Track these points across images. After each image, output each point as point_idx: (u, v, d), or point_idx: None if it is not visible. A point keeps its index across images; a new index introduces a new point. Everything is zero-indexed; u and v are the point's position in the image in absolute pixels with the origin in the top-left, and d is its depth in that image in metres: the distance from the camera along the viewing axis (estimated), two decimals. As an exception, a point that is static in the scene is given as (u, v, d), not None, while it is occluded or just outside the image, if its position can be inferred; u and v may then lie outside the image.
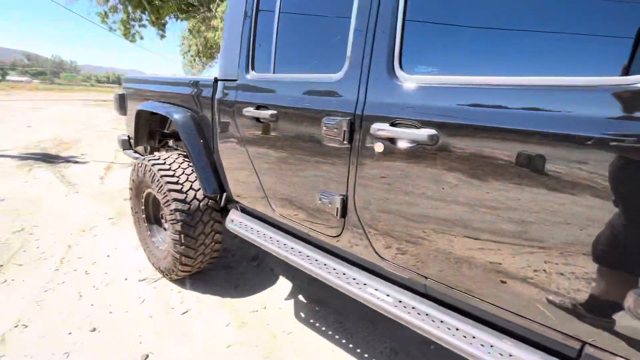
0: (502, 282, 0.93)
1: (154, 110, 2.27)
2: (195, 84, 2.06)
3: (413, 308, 1.16)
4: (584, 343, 0.84)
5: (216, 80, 1.89)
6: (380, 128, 1.10)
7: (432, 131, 0.98)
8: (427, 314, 1.13)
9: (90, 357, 1.68)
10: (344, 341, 1.87)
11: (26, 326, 1.85)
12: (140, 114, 2.50)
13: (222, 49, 1.81)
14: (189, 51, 15.04)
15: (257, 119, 1.58)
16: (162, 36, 12.70)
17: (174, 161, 2.20)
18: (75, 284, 2.27)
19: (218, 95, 1.83)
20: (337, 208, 1.31)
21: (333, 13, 1.36)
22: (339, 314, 2.11)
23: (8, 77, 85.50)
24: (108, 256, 2.65)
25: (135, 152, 3.04)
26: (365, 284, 1.28)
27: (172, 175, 2.08)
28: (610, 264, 0.76)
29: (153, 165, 2.13)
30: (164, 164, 2.15)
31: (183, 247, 2.05)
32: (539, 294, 0.87)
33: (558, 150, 0.77)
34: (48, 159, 5.70)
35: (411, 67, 1.09)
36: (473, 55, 1.01)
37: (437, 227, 1.04)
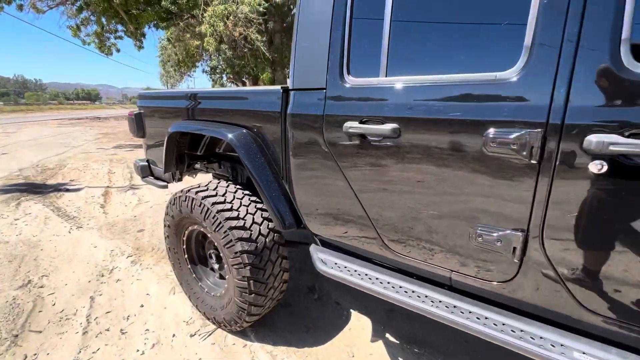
0: None
1: (199, 132, 1.89)
2: (255, 96, 1.70)
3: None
4: None
5: (286, 90, 1.54)
6: (606, 140, 0.80)
7: None
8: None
9: None
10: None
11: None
12: (172, 136, 2.10)
13: (294, 55, 1.46)
14: (168, 61, 14.34)
15: (363, 136, 1.25)
16: (140, 47, 12.04)
17: (226, 191, 1.83)
18: (113, 350, 1.85)
19: (292, 108, 1.48)
20: (514, 247, 1.00)
21: None
22: (445, 354, 1.79)
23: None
24: (142, 306, 2.23)
25: (158, 179, 2.63)
26: (562, 346, 0.97)
27: (231, 209, 1.71)
28: None
29: (204, 198, 1.75)
30: (216, 195, 1.78)
31: (253, 295, 1.68)
32: None
33: None
34: (35, 189, 5.11)
35: None
36: None
37: None
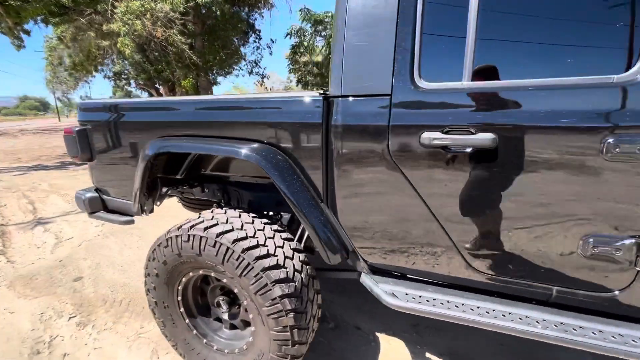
0: None
1: (207, 152, 1.49)
2: (283, 105, 1.39)
3: None
4: None
5: (327, 97, 1.29)
6: None
7: None
8: None
9: None
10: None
11: None
12: (150, 159, 1.63)
13: (341, 55, 1.22)
14: (60, 64, 11.92)
15: (445, 148, 1.10)
16: (20, 46, 9.81)
17: (242, 222, 1.49)
18: None
19: (341, 119, 1.25)
20: (637, 255, 0.97)
21: None
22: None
23: None
24: (117, 385, 1.68)
25: (115, 212, 2.05)
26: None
27: (258, 245, 1.38)
28: None
29: (220, 235, 1.37)
30: (233, 229, 1.42)
31: (296, 346, 1.38)
32: None
33: None
34: None
35: None
36: None
37: None
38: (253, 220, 1.52)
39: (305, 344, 1.43)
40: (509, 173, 1.05)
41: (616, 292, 1.05)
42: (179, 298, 1.62)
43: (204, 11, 10.28)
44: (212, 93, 12.87)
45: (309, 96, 1.32)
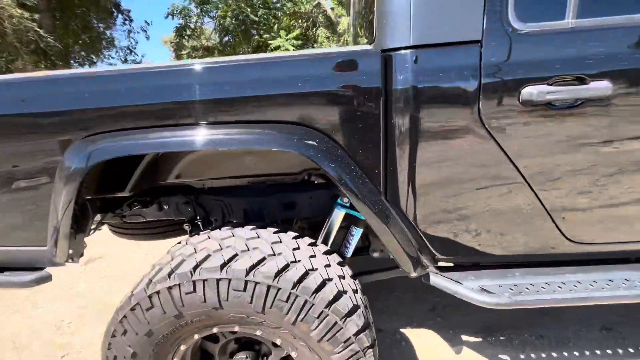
0: None
1: (216, 147, 0.94)
2: (317, 68, 0.95)
3: None
4: None
5: (385, 51, 0.93)
6: None
7: None
8: None
9: None
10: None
11: None
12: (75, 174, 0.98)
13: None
14: None
15: (550, 104, 0.90)
16: None
17: (270, 243, 1.03)
18: None
19: (410, 79, 0.91)
20: None
21: None
22: (522, 329, 1.73)
23: None
24: None
25: (5, 269, 1.24)
26: None
27: (308, 272, 0.97)
28: None
29: (251, 271, 0.90)
30: (265, 257, 0.96)
31: (374, 389, 1.04)
32: None
33: None
34: None
35: None
36: None
37: None
38: (280, 238, 1.08)
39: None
40: (626, 129, 0.92)
41: None
42: (176, 373, 1.07)
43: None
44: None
45: (359, 50, 0.94)
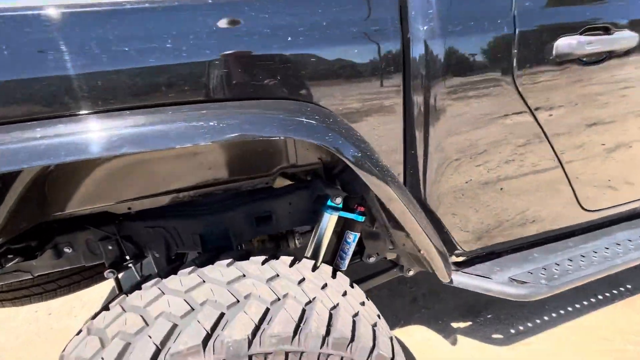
0: None
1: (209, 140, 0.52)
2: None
3: None
4: None
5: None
6: None
7: None
8: None
9: None
10: None
11: None
12: None
13: None
14: None
15: (580, 60, 0.78)
16: None
17: (274, 288, 0.70)
18: None
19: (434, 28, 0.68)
20: None
21: None
22: (499, 307, 1.71)
23: None
24: None
25: None
26: None
27: (356, 319, 0.67)
28: None
29: (298, 336, 0.56)
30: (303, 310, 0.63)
31: None
32: None
33: None
34: None
35: None
36: None
37: None
38: (275, 267, 0.75)
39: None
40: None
41: None
42: None
43: None
44: None
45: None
